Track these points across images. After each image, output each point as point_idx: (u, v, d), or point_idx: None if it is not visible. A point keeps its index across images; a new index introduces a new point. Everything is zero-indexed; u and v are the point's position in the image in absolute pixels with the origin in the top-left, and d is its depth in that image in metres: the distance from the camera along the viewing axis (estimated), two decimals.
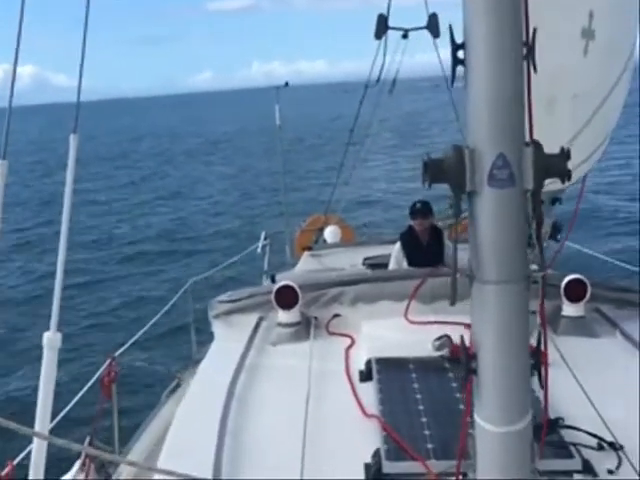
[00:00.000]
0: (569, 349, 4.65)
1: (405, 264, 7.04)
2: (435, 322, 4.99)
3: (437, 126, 53.97)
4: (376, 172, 32.36)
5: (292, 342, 5.25)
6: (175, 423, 4.24)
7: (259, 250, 9.45)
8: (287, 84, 10.22)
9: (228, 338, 5.54)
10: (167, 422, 5.24)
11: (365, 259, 8.10)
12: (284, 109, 10.26)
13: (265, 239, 9.57)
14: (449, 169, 2.66)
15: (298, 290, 5.35)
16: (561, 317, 5.24)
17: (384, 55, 6.87)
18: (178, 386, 6.02)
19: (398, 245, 7.15)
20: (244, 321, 5.65)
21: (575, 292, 5.17)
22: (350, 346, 5.06)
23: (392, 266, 7.13)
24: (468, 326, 4.90)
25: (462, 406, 3.86)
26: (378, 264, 7.93)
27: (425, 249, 7.05)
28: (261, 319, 5.65)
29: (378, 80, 7.90)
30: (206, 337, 6.59)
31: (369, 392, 4.24)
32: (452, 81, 2.68)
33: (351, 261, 8.16)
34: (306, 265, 8.21)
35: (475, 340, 2.73)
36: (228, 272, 11.02)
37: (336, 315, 5.54)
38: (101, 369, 5.37)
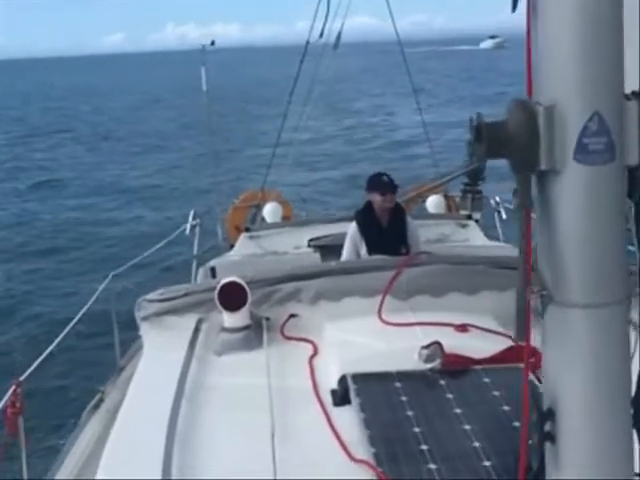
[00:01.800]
0: None
1: (363, 249, 6.17)
2: (418, 323, 4.11)
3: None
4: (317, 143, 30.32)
5: (241, 351, 4.30)
6: (102, 468, 3.26)
7: (187, 232, 8.40)
8: (213, 43, 9.13)
9: (161, 346, 4.56)
10: (90, 447, 4.33)
11: (310, 240, 7.18)
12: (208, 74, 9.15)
13: (194, 219, 8.52)
14: (515, 138, 1.76)
15: (247, 288, 4.39)
16: None
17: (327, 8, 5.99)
18: (101, 401, 5.05)
19: (354, 226, 6.26)
20: (180, 324, 4.68)
21: None
22: (313, 355, 4.15)
23: (347, 251, 6.24)
24: (460, 328, 4.08)
25: (477, 443, 3.00)
26: (326, 245, 7.04)
27: (385, 231, 6.20)
28: (200, 321, 4.68)
29: (321, 35, 7.01)
30: (132, 341, 5.62)
31: (349, 421, 3.34)
32: None
33: (295, 242, 7.24)
34: (244, 248, 7.24)
35: (551, 390, 1.86)
36: (155, 260, 9.93)
37: (292, 315, 4.61)
38: (3, 399, 4.32)
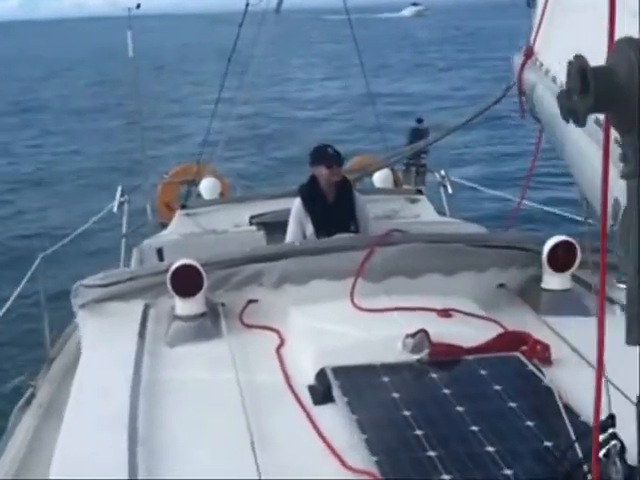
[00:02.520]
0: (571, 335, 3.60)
1: (309, 226, 5.76)
2: (396, 309, 3.74)
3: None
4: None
5: (198, 341, 3.85)
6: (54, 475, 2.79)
7: (115, 209, 7.79)
8: (139, 6, 8.46)
9: (104, 336, 4.07)
10: (25, 446, 3.89)
11: (252, 217, 6.72)
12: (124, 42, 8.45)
13: (122, 195, 7.90)
14: (627, 86, 1.39)
15: (202, 271, 3.93)
16: (542, 291, 4.14)
17: None
18: (33, 396, 4.54)
19: (298, 202, 5.84)
20: (124, 311, 4.18)
21: (562, 258, 4.07)
22: (280, 345, 3.73)
23: (292, 228, 5.82)
24: (443, 313, 3.72)
25: (490, 447, 2.65)
26: (269, 223, 6.60)
27: (332, 207, 5.80)
28: (148, 308, 4.20)
29: None
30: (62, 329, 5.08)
31: (335, 423, 2.95)
32: None
33: (235, 220, 6.75)
34: (180, 227, 6.71)
35: None
36: (84, 240, 9.22)
37: (251, 301, 4.17)
38: None
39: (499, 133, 22.91)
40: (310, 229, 5.76)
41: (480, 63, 44.03)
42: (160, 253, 5.42)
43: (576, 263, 4.04)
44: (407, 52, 55.34)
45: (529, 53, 5.07)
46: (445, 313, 3.69)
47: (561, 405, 2.85)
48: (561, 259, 4.05)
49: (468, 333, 3.53)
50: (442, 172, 7.99)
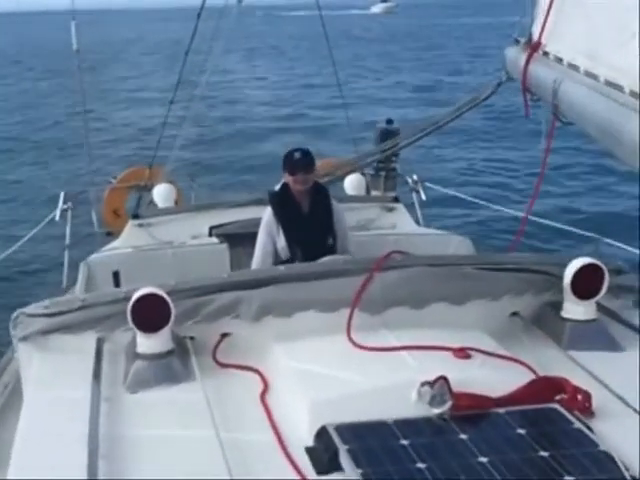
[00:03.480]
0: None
1: (281, 238, 5.15)
2: (404, 347, 3.15)
3: None
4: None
5: (166, 385, 3.21)
6: None
7: (57, 217, 7.03)
8: None
9: (50, 378, 3.40)
10: None
11: (212, 228, 6.07)
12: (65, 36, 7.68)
13: (65, 202, 7.15)
14: None
15: (169, 302, 3.29)
16: (563, 322, 3.60)
17: None
18: None
19: (269, 211, 5.23)
20: (73, 345, 3.51)
21: (587, 284, 3.54)
22: (264, 392, 3.12)
23: (261, 240, 5.21)
24: (460, 353, 3.14)
25: None
26: (233, 234, 5.95)
27: (307, 218, 5.20)
28: (101, 342, 3.54)
29: None
30: None
31: None
32: None
33: (193, 231, 6.09)
34: (133, 239, 6.01)
35: None
36: (24, 255, 8.38)
37: (225, 335, 3.55)
38: None
39: (479, 135, 21.30)
40: (282, 242, 5.16)
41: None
42: (116, 277, 4.72)
43: (603, 289, 3.52)
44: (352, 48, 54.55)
45: (535, 46, 4.55)
46: (463, 353, 3.11)
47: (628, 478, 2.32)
48: (586, 285, 3.52)
49: (493, 379, 2.96)
50: (414, 177, 7.42)
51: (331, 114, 22.03)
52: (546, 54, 4.21)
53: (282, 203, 5.21)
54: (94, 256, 5.64)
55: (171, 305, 3.28)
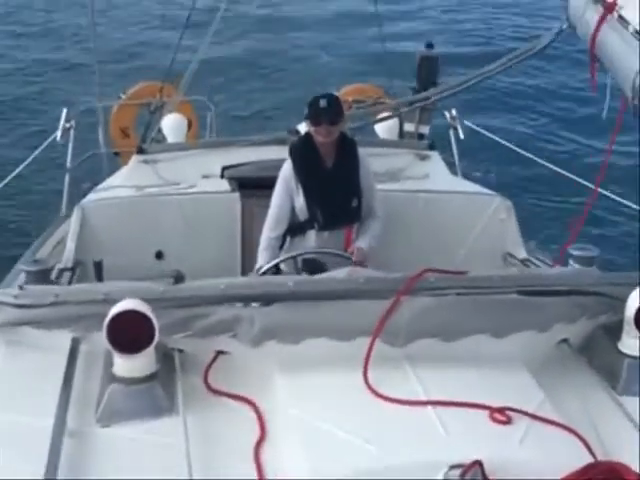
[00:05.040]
0: None
1: (300, 198, 4.55)
2: (431, 402, 2.60)
3: None
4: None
5: (142, 418, 2.70)
6: None
7: (59, 138, 6.40)
8: None
9: (13, 382, 2.93)
10: None
11: (225, 169, 5.45)
12: None
13: (68, 121, 6.50)
14: None
15: (153, 319, 2.74)
16: (621, 358, 3.02)
17: None
18: None
19: (288, 165, 4.61)
20: (45, 343, 3.02)
21: None
22: (260, 442, 2.59)
23: (278, 197, 4.63)
24: (499, 416, 2.52)
25: None
26: (246, 178, 5.34)
27: (330, 174, 4.59)
28: (77, 344, 3.03)
29: None
30: None
31: None
32: None
33: (204, 170, 5.48)
34: (136, 176, 5.40)
35: None
36: (25, 180, 7.69)
37: (221, 353, 3.01)
38: None
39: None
40: (301, 201, 4.58)
41: None
42: (99, 268, 4.11)
43: None
44: None
45: (610, 6, 3.74)
46: (503, 416, 2.55)
47: None
48: None
49: (537, 460, 2.42)
50: (453, 112, 6.67)
51: None
52: (622, 20, 3.41)
53: (303, 156, 4.60)
54: (90, 199, 5.06)
55: (155, 324, 2.73)
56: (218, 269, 4.89)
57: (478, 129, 6.87)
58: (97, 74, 6.75)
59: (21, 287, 3.24)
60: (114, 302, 2.82)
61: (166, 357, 2.91)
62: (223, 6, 6.54)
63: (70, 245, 4.62)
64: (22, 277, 3.73)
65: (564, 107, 13.71)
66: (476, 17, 19.06)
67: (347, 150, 4.62)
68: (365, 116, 6.06)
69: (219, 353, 3.00)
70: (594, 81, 3.58)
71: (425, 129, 6.70)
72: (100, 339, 2.92)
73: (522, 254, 4.97)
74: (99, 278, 3.75)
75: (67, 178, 6.31)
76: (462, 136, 6.53)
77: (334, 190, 4.56)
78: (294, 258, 4.47)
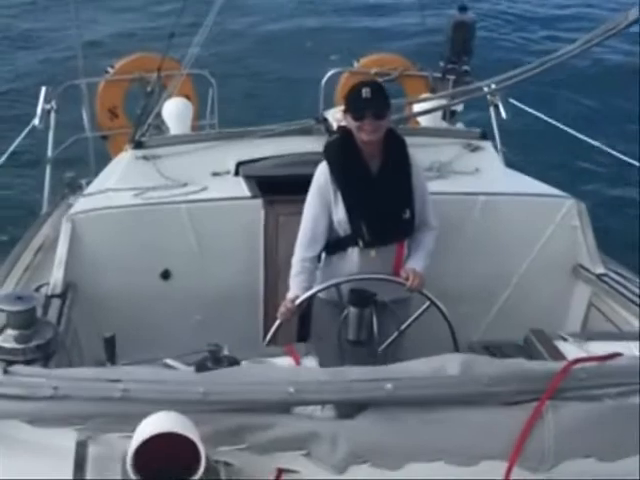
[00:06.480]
0: None
1: (340, 209, 3.71)
2: None
3: None
4: None
5: None
6: None
7: (37, 122, 5.46)
8: None
9: None
10: None
11: (239, 164, 4.58)
12: None
13: (47, 101, 5.55)
14: None
15: (201, 450, 1.90)
16: None
17: None
18: None
19: (323, 169, 3.77)
20: (41, 443, 2.19)
21: None
22: None
23: (312, 207, 3.81)
24: None
25: None
26: (267, 177, 4.48)
27: (376, 181, 3.75)
28: (83, 447, 2.20)
29: None
30: None
31: None
32: None
33: (214, 166, 4.62)
34: (132, 177, 4.49)
35: None
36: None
37: (283, 471, 2.18)
38: None
39: None
40: (340, 213, 3.75)
41: None
42: (111, 344, 3.12)
43: None
44: None
45: None
46: None
47: None
48: None
49: None
50: (492, 86, 5.80)
51: None
52: None
53: (342, 158, 3.76)
54: (80, 209, 4.17)
55: (202, 452, 1.91)
56: (235, 292, 4.20)
57: (525, 108, 5.93)
58: (79, 45, 5.80)
59: (5, 370, 2.40)
60: (134, 401, 2.04)
61: (208, 472, 2.10)
62: None
63: (58, 268, 3.84)
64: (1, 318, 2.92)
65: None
66: None
67: (396, 150, 3.79)
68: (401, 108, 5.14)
69: (280, 472, 2.18)
70: None
71: (460, 107, 5.84)
72: (116, 442, 2.13)
73: (599, 268, 4.21)
74: (110, 356, 2.88)
75: (48, 169, 5.43)
76: (504, 115, 5.67)
77: (382, 199, 3.73)
78: (337, 286, 3.67)
